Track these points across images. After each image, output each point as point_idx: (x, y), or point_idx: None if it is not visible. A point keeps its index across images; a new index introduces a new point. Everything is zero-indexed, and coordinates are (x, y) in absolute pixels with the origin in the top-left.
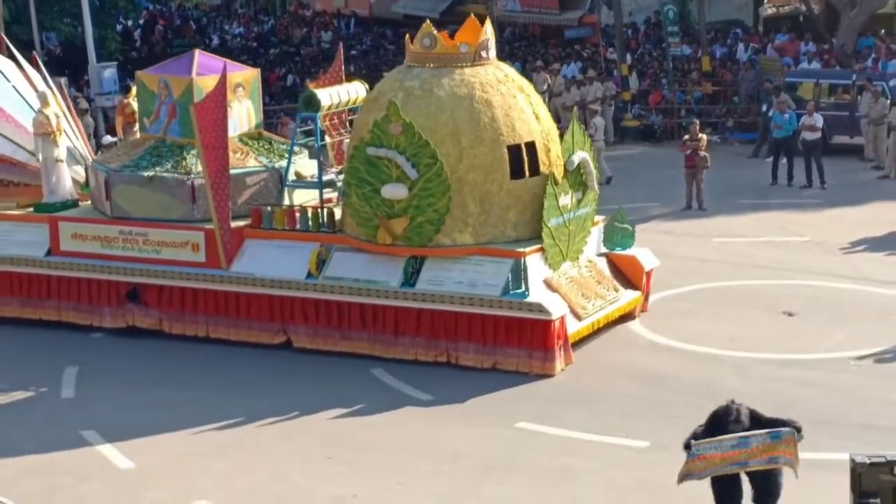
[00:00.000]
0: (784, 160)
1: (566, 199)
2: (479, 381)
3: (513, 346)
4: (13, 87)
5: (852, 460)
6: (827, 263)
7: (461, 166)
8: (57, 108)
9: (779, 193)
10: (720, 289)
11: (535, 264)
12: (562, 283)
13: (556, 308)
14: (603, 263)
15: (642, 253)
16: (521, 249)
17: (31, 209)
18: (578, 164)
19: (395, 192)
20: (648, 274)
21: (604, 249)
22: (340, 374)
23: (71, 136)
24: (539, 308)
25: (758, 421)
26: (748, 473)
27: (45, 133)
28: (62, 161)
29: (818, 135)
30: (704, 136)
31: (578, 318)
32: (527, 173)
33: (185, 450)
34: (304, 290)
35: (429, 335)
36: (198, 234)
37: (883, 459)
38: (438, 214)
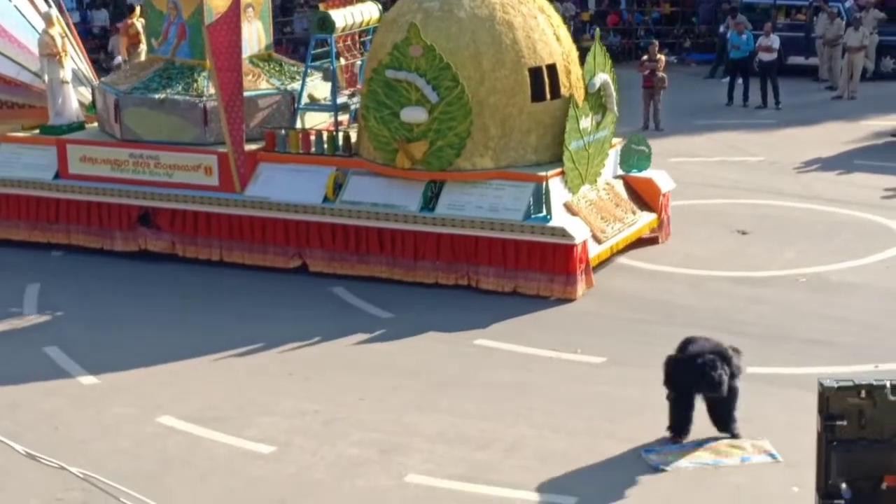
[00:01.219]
0: (740, 81)
1: (586, 122)
2: (439, 300)
3: (534, 270)
4: (15, 6)
5: (821, 384)
6: (780, 183)
7: (482, 89)
8: (60, 28)
9: (734, 114)
10: (676, 208)
11: (556, 188)
12: (581, 207)
13: (578, 232)
14: (620, 186)
15: (658, 175)
16: (543, 173)
17: (37, 131)
18: (599, 87)
19: (414, 115)
20: (665, 196)
21: (620, 172)
22: (302, 293)
23: (74, 57)
24: (562, 233)
25: (723, 357)
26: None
27: (51, 54)
28: (68, 82)
29: (774, 56)
30: (662, 57)
31: (598, 241)
32: (548, 96)
33: (149, 368)
34: (320, 215)
35: (449, 259)
36: (210, 157)
37: (851, 383)
38: (459, 138)
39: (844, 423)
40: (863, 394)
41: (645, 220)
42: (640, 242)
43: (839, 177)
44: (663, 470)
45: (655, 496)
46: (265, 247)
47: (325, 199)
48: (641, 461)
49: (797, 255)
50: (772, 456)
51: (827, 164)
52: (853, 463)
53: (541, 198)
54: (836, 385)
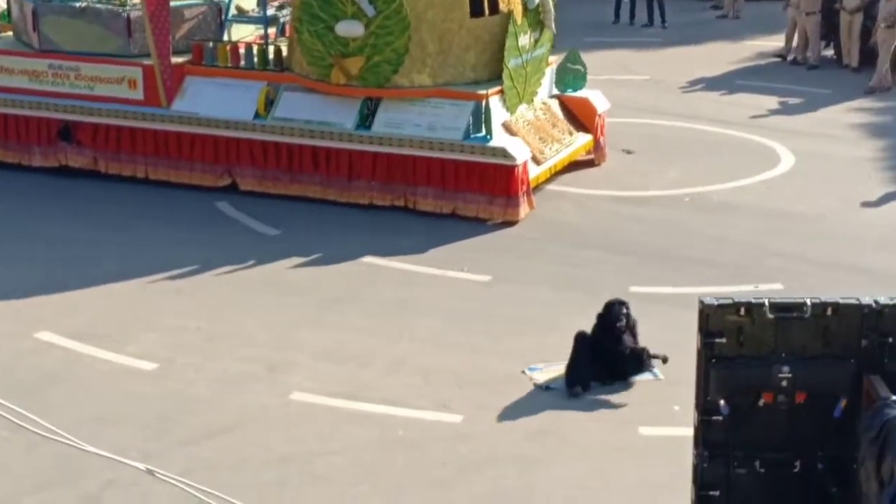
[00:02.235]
0: None
1: (525, 40)
2: (328, 216)
3: (474, 191)
4: None
5: (701, 302)
6: (664, 102)
7: (420, 4)
8: None
9: (621, 32)
10: None
11: (495, 107)
12: (520, 127)
13: (519, 153)
14: (556, 106)
15: (594, 95)
16: (483, 91)
17: None
18: (538, 3)
19: (350, 29)
20: (601, 116)
21: (556, 91)
22: (187, 208)
23: None
24: (503, 153)
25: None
26: None
27: None
28: None
29: None
30: None
31: (538, 162)
32: (486, 11)
33: (29, 283)
34: (251, 132)
35: (385, 180)
36: (135, 69)
37: (730, 301)
38: (396, 54)
39: (723, 340)
40: (742, 311)
41: (581, 141)
42: (576, 165)
43: (723, 97)
44: (546, 388)
45: (541, 415)
46: (192, 164)
47: (256, 116)
48: (525, 379)
49: (681, 175)
50: (653, 374)
51: (711, 84)
52: (731, 380)
53: (480, 117)
54: (715, 303)
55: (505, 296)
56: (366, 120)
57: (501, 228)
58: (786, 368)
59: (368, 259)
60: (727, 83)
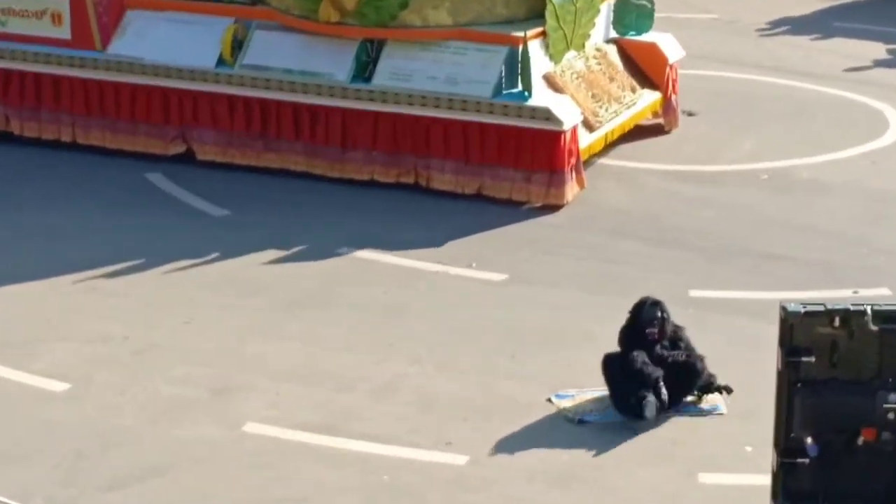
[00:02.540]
0: None
1: None
2: (305, 194)
3: (506, 165)
4: None
5: (783, 309)
6: (738, 48)
7: None
8: None
9: None
10: None
11: (535, 54)
12: (567, 81)
13: (567, 115)
14: (614, 53)
15: (664, 39)
16: (519, 34)
17: None
18: None
19: None
20: (673, 67)
21: (614, 35)
22: (107, 181)
23: None
24: (546, 115)
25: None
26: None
27: None
28: None
29: None
30: None
31: (590, 128)
32: None
33: None
34: (213, 83)
35: (390, 149)
36: (60, 0)
37: (821, 308)
38: None
39: (812, 359)
40: (836, 322)
41: (647, 99)
42: (639, 132)
43: (814, 42)
44: (580, 422)
45: (571, 456)
46: (135, 126)
47: (220, 62)
48: (551, 409)
49: (757, 145)
50: (712, 407)
51: (799, 26)
52: (822, 411)
53: (516, 66)
54: (802, 310)
55: (525, 300)
56: (365, 70)
57: (541, 214)
58: (893, 397)
59: (345, 249)
60: (820, 25)
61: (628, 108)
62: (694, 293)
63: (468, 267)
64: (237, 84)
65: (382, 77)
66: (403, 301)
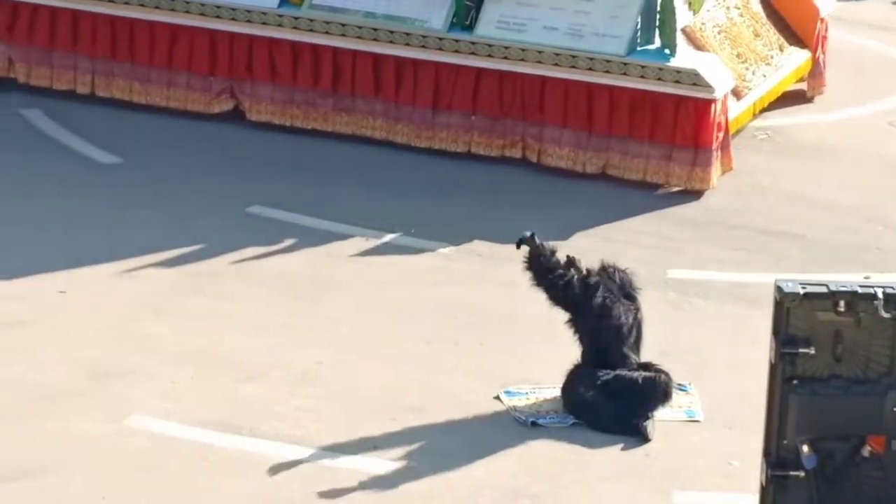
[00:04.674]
0: None
1: None
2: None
3: (640, 138)
4: None
5: (779, 289)
6: None
7: None
8: None
9: None
10: None
11: (676, 4)
12: (709, 37)
13: (718, 79)
14: (758, 5)
15: None
16: None
17: None
18: None
19: None
20: (823, 22)
21: None
22: None
23: None
24: (693, 78)
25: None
26: None
27: None
28: None
29: None
30: None
31: (737, 95)
32: None
33: None
34: (274, 28)
35: (493, 114)
36: None
37: (824, 289)
38: None
39: (811, 351)
40: (841, 306)
41: (796, 60)
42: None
43: None
44: (532, 424)
45: (523, 468)
46: (173, 75)
47: (284, 2)
48: (499, 407)
49: None
50: (687, 413)
51: None
52: (821, 413)
53: (654, 17)
54: (800, 291)
55: (475, 275)
56: (466, 16)
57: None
58: None
59: (257, 209)
60: None
61: (777, 69)
62: (673, 273)
63: (408, 233)
64: (305, 29)
65: (488, 26)
66: (327, 273)
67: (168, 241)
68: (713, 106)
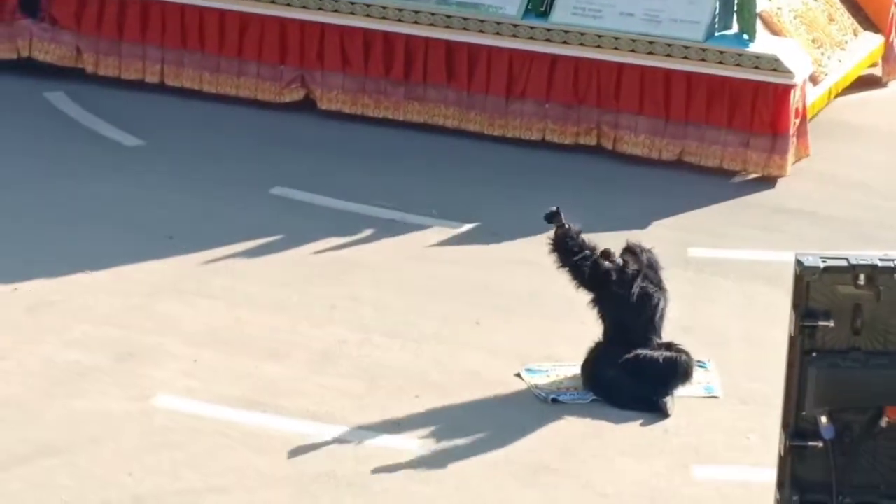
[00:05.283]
0: None
1: None
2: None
3: (718, 125)
4: None
5: (799, 262)
6: None
7: None
8: None
9: None
10: None
11: None
12: (786, 22)
13: (798, 65)
14: None
15: None
16: None
17: None
18: None
19: None
20: None
21: None
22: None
23: None
24: (772, 63)
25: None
26: None
27: None
28: None
29: None
30: None
31: (814, 81)
32: None
33: None
34: (345, 15)
35: (568, 101)
36: None
37: (844, 263)
38: None
39: (830, 323)
40: (861, 280)
41: (869, 45)
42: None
43: None
44: (553, 401)
45: (543, 443)
46: (243, 64)
47: None
48: (519, 385)
49: None
50: (706, 389)
51: None
52: (840, 386)
53: (732, 2)
54: (821, 265)
55: (500, 257)
56: (541, 3)
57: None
58: None
59: (279, 190)
60: None
61: (852, 55)
62: (693, 252)
63: (429, 214)
64: (376, 17)
65: (563, 12)
66: (349, 254)
67: (189, 221)
68: (793, 92)
